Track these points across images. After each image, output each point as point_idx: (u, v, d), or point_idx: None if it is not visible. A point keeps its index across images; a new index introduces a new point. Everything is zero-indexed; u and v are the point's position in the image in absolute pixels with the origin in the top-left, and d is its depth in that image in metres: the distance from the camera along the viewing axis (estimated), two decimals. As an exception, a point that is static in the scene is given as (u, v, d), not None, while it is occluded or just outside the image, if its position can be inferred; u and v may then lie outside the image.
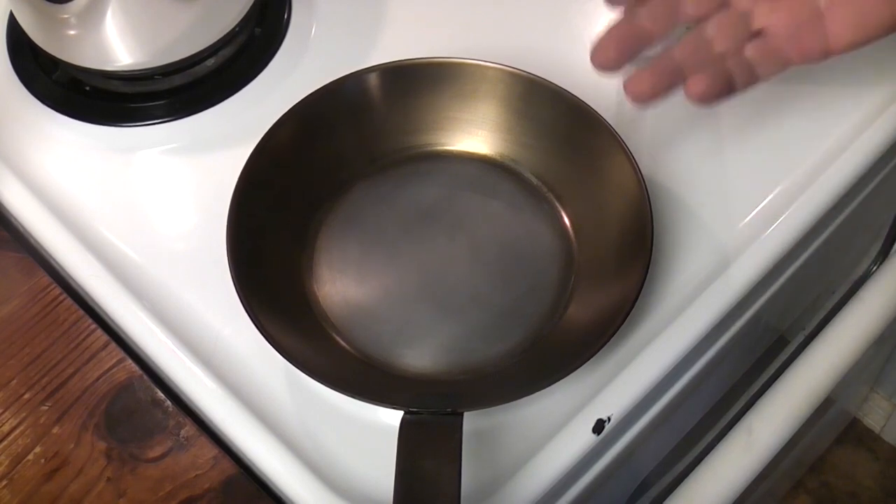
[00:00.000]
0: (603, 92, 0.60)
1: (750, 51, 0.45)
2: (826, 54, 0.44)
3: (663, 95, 0.46)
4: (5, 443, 0.51)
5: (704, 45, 0.45)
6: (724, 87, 0.45)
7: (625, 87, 0.46)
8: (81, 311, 0.55)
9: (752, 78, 0.46)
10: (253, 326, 0.48)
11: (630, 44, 0.45)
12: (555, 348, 0.50)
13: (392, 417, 0.47)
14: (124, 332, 0.54)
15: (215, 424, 0.51)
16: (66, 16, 0.58)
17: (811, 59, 0.45)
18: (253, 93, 0.63)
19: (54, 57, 0.61)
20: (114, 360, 0.54)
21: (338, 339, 0.52)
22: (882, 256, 0.80)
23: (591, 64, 0.46)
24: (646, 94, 0.46)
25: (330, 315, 0.53)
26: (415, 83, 0.57)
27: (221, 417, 0.50)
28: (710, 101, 0.46)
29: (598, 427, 0.49)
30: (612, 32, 0.46)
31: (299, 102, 0.55)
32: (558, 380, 0.47)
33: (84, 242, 0.56)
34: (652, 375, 0.51)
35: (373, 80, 0.57)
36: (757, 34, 0.45)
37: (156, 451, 0.51)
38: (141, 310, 0.54)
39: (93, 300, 0.56)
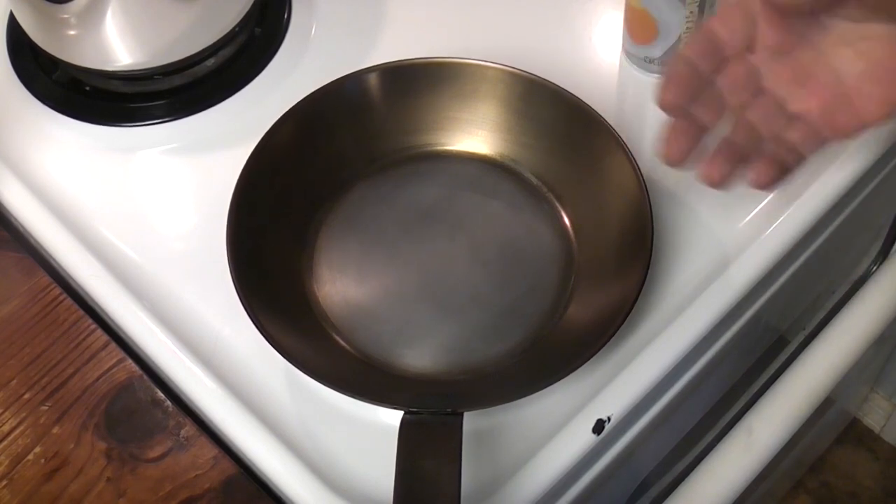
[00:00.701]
0: (603, 92, 0.61)
1: (791, 134, 0.47)
2: (861, 129, 0.46)
3: (735, 178, 0.48)
4: (5, 443, 0.51)
5: (752, 130, 0.47)
6: (781, 172, 0.48)
7: (701, 175, 0.48)
8: (81, 311, 0.55)
9: (799, 158, 0.48)
10: (253, 326, 0.48)
11: (693, 136, 0.47)
12: (555, 348, 0.50)
13: (392, 417, 0.47)
14: (124, 332, 0.54)
15: (215, 424, 0.51)
16: (66, 16, 0.58)
17: (847, 136, 0.46)
18: (253, 93, 0.63)
19: (54, 57, 0.61)
20: (114, 360, 0.54)
21: (338, 339, 0.52)
22: (882, 256, 0.80)
23: (660, 160, 0.48)
24: (722, 179, 0.48)
25: (330, 315, 0.53)
26: (415, 83, 0.57)
27: (221, 417, 0.50)
28: (772, 188, 0.48)
29: (598, 427, 0.49)
30: (676, 129, 0.47)
31: (299, 102, 0.55)
32: (558, 380, 0.47)
33: (84, 242, 0.56)
34: (652, 375, 0.51)
35: (373, 80, 0.57)
36: (793, 117, 0.46)
37: (156, 451, 0.51)
38: (141, 310, 0.54)
39: (93, 300, 0.56)
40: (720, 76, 0.46)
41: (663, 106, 0.46)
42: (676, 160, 0.48)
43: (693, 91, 0.46)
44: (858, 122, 0.45)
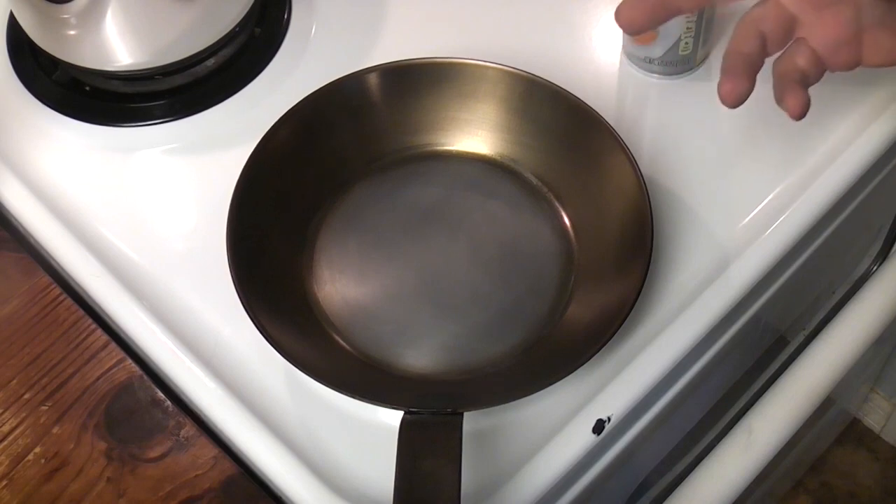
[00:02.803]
0: (603, 92, 0.61)
1: (799, 59, 0.46)
2: (854, 67, 0.46)
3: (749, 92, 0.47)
4: (5, 443, 0.51)
5: (761, 40, 0.46)
6: (805, 93, 0.46)
7: (722, 92, 0.47)
8: (81, 311, 0.55)
9: (808, 80, 0.47)
10: (253, 326, 0.48)
11: (660, 12, 0.46)
12: (555, 348, 0.50)
13: (392, 417, 0.47)
14: (124, 332, 0.54)
15: (215, 424, 0.51)
16: (66, 16, 0.58)
17: (840, 70, 0.47)
18: (253, 93, 0.63)
19: (54, 57, 0.61)
20: (114, 360, 0.54)
21: (338, 339, 0.52)
22: (882, 256, 0.80)
23: (616, 20, 0.47)
24: (741, 97, 0.46)
25: (330, 315, 0.53)
26: (415, 83, 0.57)
27: (221, 417, 0.50)
28: (806, 111, 0.47)
29: (598, 427, 0.49)
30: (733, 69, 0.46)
31: (299, 102, 0.55)
32: (558, 380, 0.47)
33: (84, 242, 0.56)
34: (652, 375, 0.51)
35: (373, 80, 0.57)
36: (797, 40, 0.46)
37: (156, 451, 0.51)
38: (141, 310, 0.54)
39: (93, 300, 0.56)
40: None
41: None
42: (632, 26, 0.47)
43: None
44: (856, 62, 0.46)
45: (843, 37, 0.45)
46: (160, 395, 0.52)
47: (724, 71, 0.46)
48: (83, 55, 0.60)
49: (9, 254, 0.58)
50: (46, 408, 0.52)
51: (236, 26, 0.62)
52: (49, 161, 0.61)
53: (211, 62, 0.63)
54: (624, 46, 0.63)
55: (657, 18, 0.46)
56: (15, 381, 0.53)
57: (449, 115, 0.57)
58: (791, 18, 0.46)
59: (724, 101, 0.46)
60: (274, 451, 0.49)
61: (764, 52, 0.46)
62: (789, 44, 0.46)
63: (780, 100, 0.46)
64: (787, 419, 0.58)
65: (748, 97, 0.45)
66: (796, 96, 0.45)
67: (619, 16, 0.46)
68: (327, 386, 0.47)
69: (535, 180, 0.56)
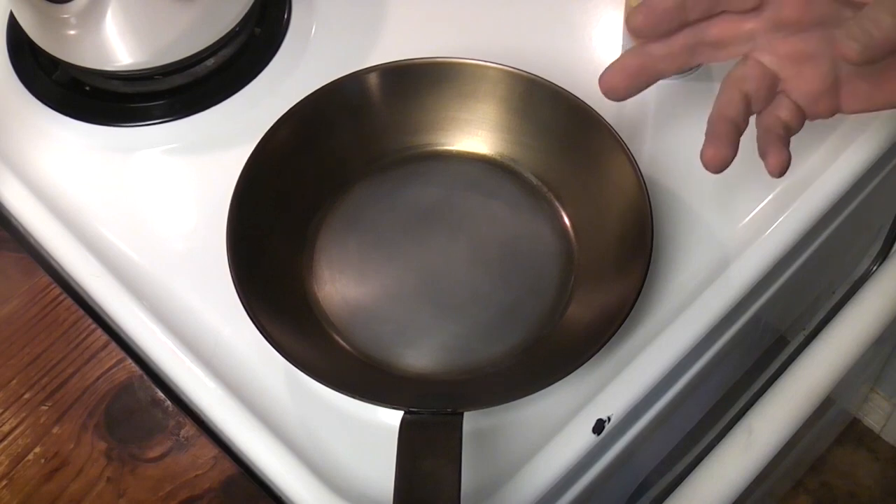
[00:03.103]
0: (603, 92, 0.61)
1: (781, 111, 0.47)
2: (833, 114, 0.47)
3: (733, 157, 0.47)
4: (5, 443, 0.51)
5: (745, 101, 0.47)
6: (786, 149, 0.47)
7: (706, 159, 0.47)
8: (81, 311, 0.55)
9: (790, 132, 0.48)
10: (253, 326, 0.48)
11: (641, 78, 0.47)
12: (555, 348, 0.50)
13: (392, 417, 0.47)
14: (124, 332, 0.54)
15: (215, 424, 0.51)
16: (66, 16, 0.58)
17: (823, 118, 0.47)
18: (253, 93, 0.63)
19: (54, 57, 0.61)
20: (114, 360, 0.54)
21: (338, 339, 0.52)
22: (882, 256, 0.80)
23: (599, 88, 0.47)
24: (726, 162, 0.47)
25: (330, 315, 0.53)
26: (415, 83, 0.57)
27: (221, 417, 0.50)
28: (787, 168, 0.47)
29: (598, 427, 0.49)
30: (624, 62, 0.47)
31: (299, 103, 0.55)
32: (558, 380, 0.47)
33: (84, 242, 0.56)
34: (652, 375, 0.51)
35: (373, 80, 0.57)
36: (780, 91, 0.47)
37: (156, 451, 0.51)
38: (141, 310, 0.54)
39: (93, 300, 0.56)
40: (709, 25, 0.46)
41: (635, 28, 0.46)
42: (614, 93, 0.47)
43: (669, 22, 0.45)
44: (836, 110, 0.46)
45: (822, 89, 0.46)
46: (160, 395, 0.52)
47: (710, 136, 0.46)
48: (83, 55, 0.60)
49: (9, 254, 0.58)
50: (46, 408, 0.52)
51: (236, 26, 0.62)
52: (49, 161, 0.61)
53: (211, 62, 0.63)
54: (624, 47, 0.63)
55: (638, 85, 0.47)
56: (15, 381, 0.53)
57: (449, 115, 0.57)
58: (773, 76, 0.47)
59: (706, 167, 0.46)
60: (274, 451, 0.49)
61: (748, 112, 0.47)
62: (769, 93, 0.47)
63: (762, 154, 0.46)
64: (787, 419, 0.58)
65: (731, 163, 0.46)
66: (778, 154, 0.46)
67: (602, 82, 0.47)
68: (327, 386, 0.47)
69: (535, 180, 0.57)
